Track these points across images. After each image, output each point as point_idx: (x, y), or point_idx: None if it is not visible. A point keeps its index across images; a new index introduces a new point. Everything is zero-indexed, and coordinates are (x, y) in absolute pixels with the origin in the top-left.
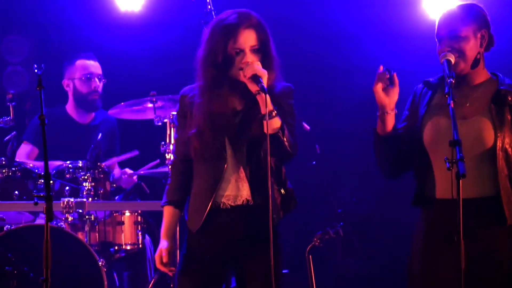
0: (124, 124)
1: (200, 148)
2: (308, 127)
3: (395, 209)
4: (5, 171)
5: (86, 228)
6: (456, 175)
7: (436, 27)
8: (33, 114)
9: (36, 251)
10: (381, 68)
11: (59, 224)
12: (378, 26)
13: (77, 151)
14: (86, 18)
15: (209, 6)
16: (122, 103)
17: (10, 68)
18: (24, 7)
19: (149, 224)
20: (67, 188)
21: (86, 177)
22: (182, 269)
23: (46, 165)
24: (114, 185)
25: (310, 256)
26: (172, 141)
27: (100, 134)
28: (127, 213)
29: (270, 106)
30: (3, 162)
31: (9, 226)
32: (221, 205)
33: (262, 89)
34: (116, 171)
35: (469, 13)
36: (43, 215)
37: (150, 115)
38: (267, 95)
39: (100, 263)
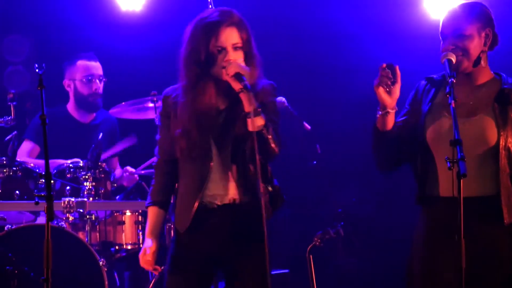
0: (125, 123)
1: (187, 148)
2: (309, 127)
3: (396, 208)
4: (6, 171)
5: (87, 228)
6: (457, 175)
7: (441, 25)
8: (34, 114)
9: (36, 251)
10: (384, 65)
11: (59, 223)
12: (379, 26)
13: (78, 150)
14: (87, 18)
15: (210, 6)
16: (123, 103)
17: (11, 67)
18: (25, 6)
19: None
20: (68, 187)
21: (87, 176)
22: (170, 269)
23: (47, 165)
24: (115, 184)
25: (311, 256)
26: None
27: (101, 134)
28: (128, 213)
29: (253, 104)
30: (4, 162)
31: (10, 226)
32: (208, 204)
33: (245, 87)
34: (118, 171)
35: (474, 12)
36: (44, 215)
37: (151, 115)
38: (251, 93)
39: (100, 263)
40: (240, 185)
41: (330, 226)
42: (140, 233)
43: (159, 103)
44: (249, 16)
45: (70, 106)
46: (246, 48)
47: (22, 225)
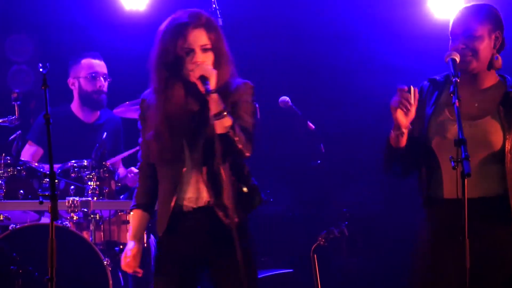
0: (129, 123)
1: (158, 151)
2: (313, 126)
3: (400, 208)
4: (10, 170)
5: (91, 227)
6: (461, 174)
7: (451, 24)
8: (38, 113)
9: (41, 251)
10: (406, 88)
11: (64, 223)
12: (383, 26)
13: (82, 150)
14: (91, 17)
15: (214, 5)
16: (127, 102)
17: (15, 67)
18: (29, 6)
19: (154, 223)
20: (72, 187)
21: (91, 176)
22: (154, 271)
23: (51, 164)
24: (119, 184)
25: (315, 256)
26: None
27: (105, 133)
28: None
29: (219, 106)
30: (8, 161)
31: (14, 225)
32: (184, 207)
33: (206, 90)
34: (121, 170)
35: (485, 13)
36: (48, 214)
37: None
38: (216, 95)
39: (105, 262)
40: (210, 187)
41: (334, 225)
42: (145, 232)
43: None
44: (254, 16)
45: (74, 106)
46: (216, 49)
47: (26, 224)
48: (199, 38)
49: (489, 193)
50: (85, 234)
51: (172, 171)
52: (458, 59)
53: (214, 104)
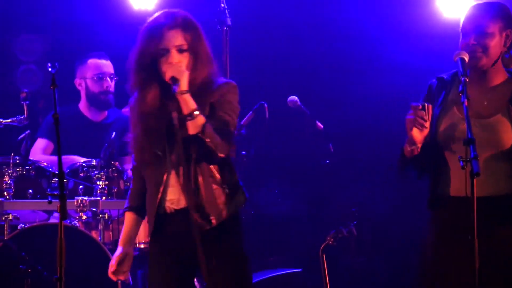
0: None
1: (137, 153)
2: (322, 126)
3: (409, 208)
4: (19, 170)
5: (100, 227)
6: (470, 174)
7: (462, 20)
8: (47, 113)
9: (50, 250)
10: (420, 106)
11: (73, 222)
12: (392, 26)
13: (90, 149)
14: (99, 17)
15: (222, 5)
16: None
17: (23, 67)
18: (37, 6)
19: None
20: (81, 186)
21: (100, 175)
22: (149, 270)
23: (60, 164)
24: (128, 183)
25: (324, 255)
26: None
27: (113, 133)
28: None
29: (191, 106)
30: (17, 161)
31: (23, 225)
32: (167, 209)
33: (173, 91)
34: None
35: (497, 11)
36: (57, 214)
37: None
38: (186, 95)
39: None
40: (185, 189)
41: (343, 225)
42: None
43: None
44: (263, 15)
45: (82, 105)
46: (193, 49)
47: (35, 224)
48: (174, 38)
49: (497, 192)
50: (94, 234)
51: (154, 172)
52: (467, 59)
53: (185, 104)
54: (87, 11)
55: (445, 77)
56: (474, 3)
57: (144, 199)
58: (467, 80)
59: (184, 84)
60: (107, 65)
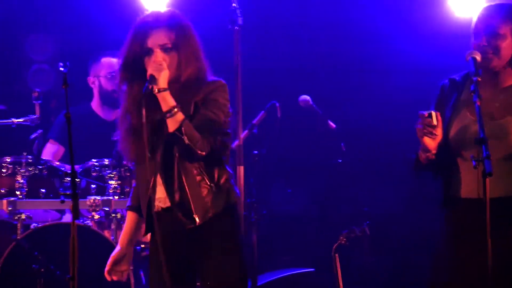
0: None
1: (123, 152)
2: (334, 125)
3: (422, 207)
4: (32, 169)
5: (113, 226)
6: (482, 174)
7: (474, 21)
8: (59, 112)
9: (62, 249)
10: (426, 114)
11: (85, 222)
12: (404, 26)
13: (103, 148)
14: (111, 17)
15: (233, 4)
16: None
17: (35, 66)
18: (49, 6)
19: None
20: (93, 186)
21: (112, 175)
22: (149, 267)
23: (72, 163)
24: None
25: (337, 255)
26: None
27: None
28: None
29: (169, 104)
30: (30, 160)
31: (35, 224)
32: (156, 208)
33: (145, 89)
34: None
35: (509, 12)
36: (69, 213)
37: None
38: (165, 93)
39: None
40: (168, 188)
41: (356, 224)
42: None
43: None
44: (276, 15)
45: (95, 104)
46: (178, 47)
47: (47, 223)
48: (158, 38)
49: (510, 193)
50: (106, 233)
51: (144, 171)
52: (479, 58)
53: (163, 101)
54: (99, 11)
55: (456, 78)
56: (487, 3)
57: None
58: (479, 80)
59: (162, 82)
60: None
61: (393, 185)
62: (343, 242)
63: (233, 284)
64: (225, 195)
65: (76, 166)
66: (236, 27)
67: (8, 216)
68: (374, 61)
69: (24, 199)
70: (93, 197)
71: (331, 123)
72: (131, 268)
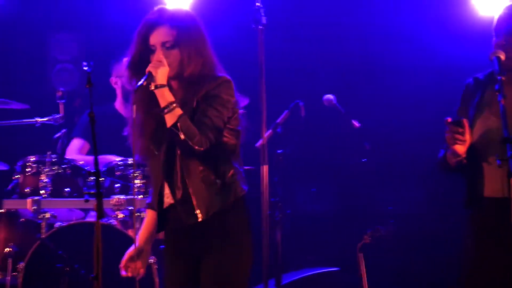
0: None
1: (134, 149)
2: (358, 125)
3: (446, 206)
4: (56, 168)
5: (137, 225)
6: (507, 173)
7: (496, 20)
8: (83, 112)
9: (86, 248)
10: (449, 120)
11: (109, 221)
12: (429, 25)
13: (127, 148)
14: (134, 18)
15: (257, 4)
16: None
17: (59, 66)
18: (73, 6)
19: None
20: (117, 185)
21: (136, 174)
22: (164, 262)
23: (96, 163)
24: None
25: (361, 254)
26: None
27: None
28: None
29: (167, 99)
30: (54, 159)
31: (60, 223)
32: (165, 204)
33: (139, 86)
34: None
35: None
36: (93, 212)
37: None
38: (163, 89)
39: (151, 260)
40: (170, 183)
41: (380, 223)
42: None
43: None
44: (299, 15)
45: (118, 104)
46: (180, 44)
47: (72, 222)
48: (160, 35)
49: None
50: (130, 232)
51: (155, 167)
52: (503, 57)
53: (161, 97)
54: (123, 11)
55: (480, 77)
56: (509, 3)
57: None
58: (504, 79)
59: (159, 79)
60: None
61: (417, 184)
62: (367, 241)
63: (230, 287)
64: (231, 191)
65: (100, 165)
66: (260, 27)
67: (33, 215)
68: (400, 61)
69: (49, 198)
70: (117, 196)
71: (355, 122)
72: (156, 267)
